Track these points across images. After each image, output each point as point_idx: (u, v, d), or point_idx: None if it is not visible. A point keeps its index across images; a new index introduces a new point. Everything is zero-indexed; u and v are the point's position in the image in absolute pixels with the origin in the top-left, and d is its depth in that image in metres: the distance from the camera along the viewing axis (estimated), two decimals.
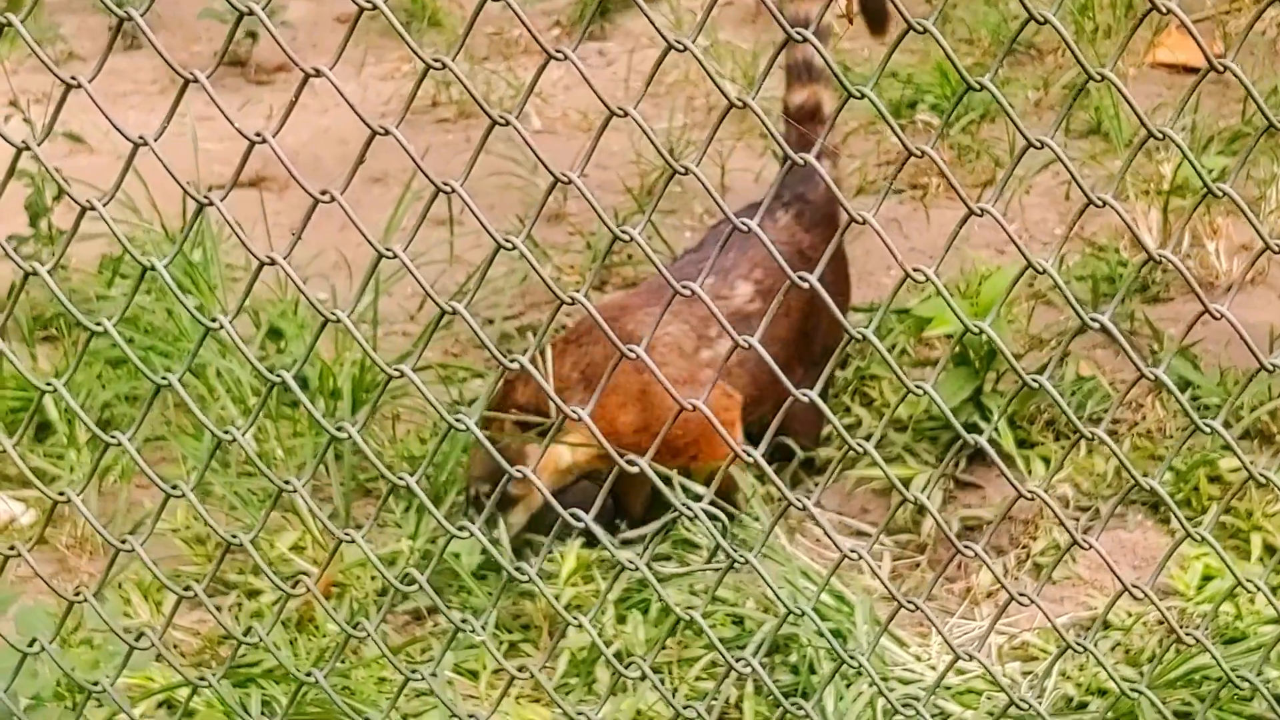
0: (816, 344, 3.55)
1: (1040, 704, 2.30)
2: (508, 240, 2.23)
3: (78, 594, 2.40)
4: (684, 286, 2.24)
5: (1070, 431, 3.55)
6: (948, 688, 2.88)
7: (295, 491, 2.29)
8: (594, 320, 3.57)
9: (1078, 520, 3.32)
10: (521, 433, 3.29)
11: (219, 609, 3.26)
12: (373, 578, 3.28)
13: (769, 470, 2.20)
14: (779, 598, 2.12)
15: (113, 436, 2.38)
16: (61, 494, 2.39)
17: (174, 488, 2.41)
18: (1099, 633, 3.02)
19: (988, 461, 3.48)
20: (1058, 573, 3.19)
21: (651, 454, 2.25)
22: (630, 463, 2.18)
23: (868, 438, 3.55)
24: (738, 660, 2.26)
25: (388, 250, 2.26)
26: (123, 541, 2.42)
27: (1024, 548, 3.29)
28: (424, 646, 3.16)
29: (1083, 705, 2.89)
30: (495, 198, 4.53)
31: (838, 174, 3.75)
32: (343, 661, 3.09)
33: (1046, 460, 3.46)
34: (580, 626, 2.14)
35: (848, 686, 2.85)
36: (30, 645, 2.38)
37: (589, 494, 3.31)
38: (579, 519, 2.14)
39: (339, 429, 2.30)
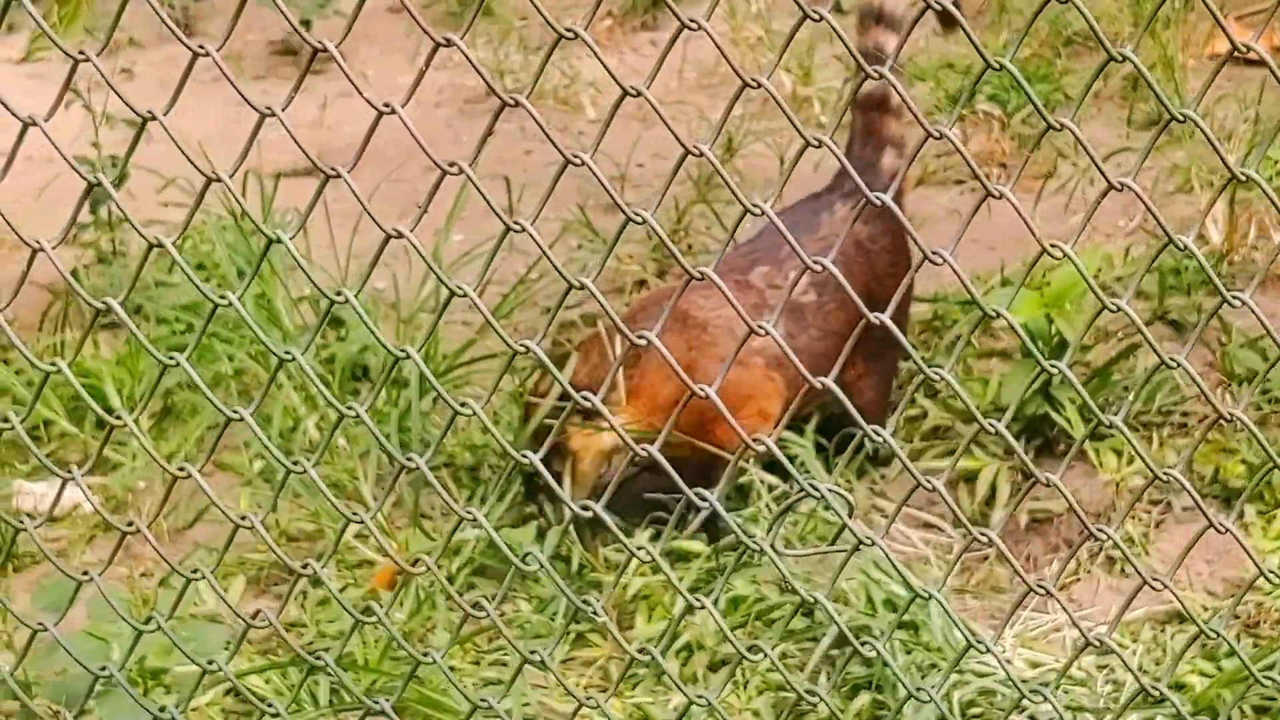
0: (876, 335, 3.52)
1: (1169, 692, 2.27)
2: (637, 215, 2.21)
3: (195, 571, 2.38)
4: (815, 262, 2.20)
5: (1140, 424, 3.52)
6: (1024, 681, 2.86)
7: (417, 469, 2.27)
8: (648, 300, 3.55)
9: (1150, 513, 3.30)
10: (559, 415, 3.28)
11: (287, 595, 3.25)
12: (439, 565, 3.27)
13: (903, 456, 2.19)
14: (909, 583, 2.09)
15: (235, 412, 2.35)
16: (181, 468, 2.36)
17: (299, 466, 2.36)
18: (1178, 627, 3.00)
19: (1057, 454, 3.45)
20: (1130, 566, 3.17)
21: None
22: (760, 443, 2.17)
23: (935, 430, 3.54)
24: (863, 644, 2.24)
25: (516, 224, 2.23)
26: (243, 518, 2.41)
27: (1096, 540, 3.27)
28: (491, 635, 3.16)
29: (1161, 700, 2.86)
30: (559, 185, 4.52)
31: (901, 163, 3.71)
32: (412, 647, 3.08)
33: (1118, 452, 3.43)
34: (702, 608, 2.12)
35: (923, 678, 2.84)
36: (146, 624, 2.37)
37: (655, 485, 3.30)
38: (705, 499, 2.12)
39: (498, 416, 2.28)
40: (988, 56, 2.06)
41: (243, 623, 3.08)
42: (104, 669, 2.39)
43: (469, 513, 2.24)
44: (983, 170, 4.51)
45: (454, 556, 3.29)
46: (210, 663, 2.35)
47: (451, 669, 3.05)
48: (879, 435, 2.20)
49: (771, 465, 3.36)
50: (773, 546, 2.07)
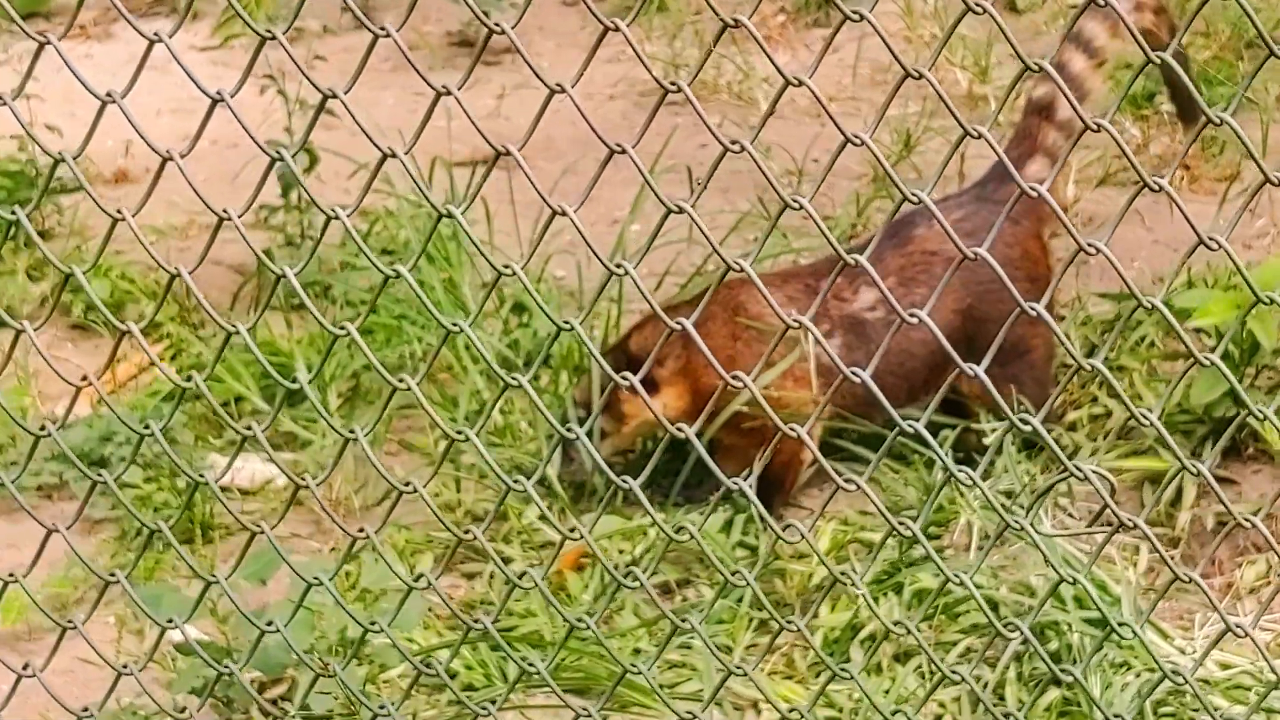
0: (981, 346, 3.36)
1: None
2: (795, 200, 2.23)
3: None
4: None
5: None
6: (1215, 683, 2.85)
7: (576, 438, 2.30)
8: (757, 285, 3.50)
9: None
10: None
11: (473, 576, 3.32)
12: (620, 550, 3.32)
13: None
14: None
15: (400, 379, 2.40)
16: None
17: (460, 433, 2.41)
18: None
19: (1244, 458, 3.43)
20: None
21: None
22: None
23: (1121, 428, 3.53)
24: (1006, 626, 2.24)
25: (677, 205, 2.26)
26: (406, 484, 2.46)
27: None
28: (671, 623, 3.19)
29: None
30: (728, 180, 4.55)
31: (1049, 173, 3.66)
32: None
33: None
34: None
35: (1114, 674, 2.83)
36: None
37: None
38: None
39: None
40: (1151, 53, 2.05)
41: (436, 597, 3.14)
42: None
43: (624, 482, 2.26)
44: (1164, 172, 4.46)
45: (640, 539, 3.33)
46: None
47: (636, 652, 3.09)
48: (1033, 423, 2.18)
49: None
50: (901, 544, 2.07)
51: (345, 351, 3.91)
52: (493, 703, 2.50)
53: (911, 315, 2.18)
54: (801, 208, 2.22)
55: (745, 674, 2.23)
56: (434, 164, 4.33)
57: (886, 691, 2.89)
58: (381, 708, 2.38)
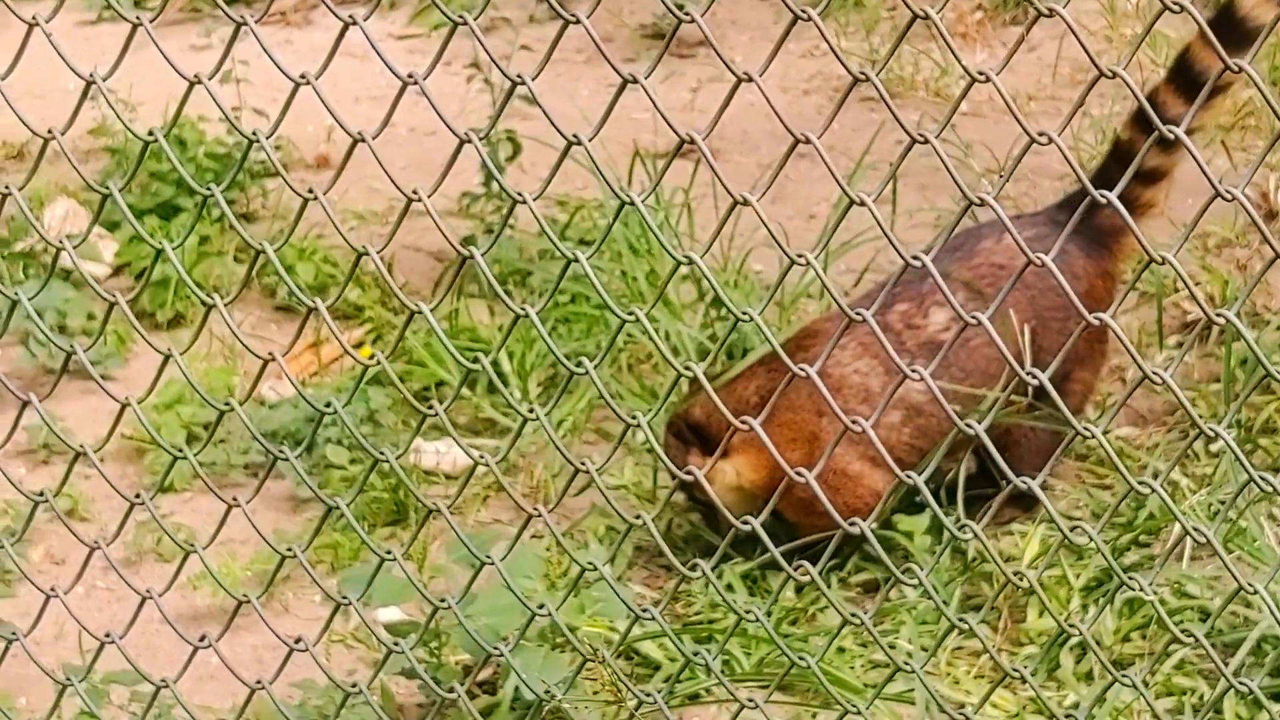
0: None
1: None
2: (978, 197, 2.20)
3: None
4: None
5: None
6: None
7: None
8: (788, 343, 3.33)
9: None
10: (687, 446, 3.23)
11: (671, 567, 3.32)
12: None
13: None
14: None
15: (578, 364, 2.39)
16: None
17: (633, 417, 2.40)
18: None
19: None
20: None
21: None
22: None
23: None
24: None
25: (859, 198, 2.23)
26: (583, 463, 2.44)
27: None
28: (876, 621, 3.17)
29: None
30: (926, 178, 4.51)
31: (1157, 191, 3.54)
32: (799, 627, 3.12)
33: None
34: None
35: None
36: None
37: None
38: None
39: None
40: None
41: (642, 590, 3.15)
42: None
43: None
44: None
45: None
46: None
47: (840, 650, 3.08)
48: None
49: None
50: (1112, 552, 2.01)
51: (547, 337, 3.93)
52: (704, 692, 2.49)
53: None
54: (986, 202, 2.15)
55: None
56: (635, 155, 4.34)
57: (1101, 701, 2.85)
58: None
